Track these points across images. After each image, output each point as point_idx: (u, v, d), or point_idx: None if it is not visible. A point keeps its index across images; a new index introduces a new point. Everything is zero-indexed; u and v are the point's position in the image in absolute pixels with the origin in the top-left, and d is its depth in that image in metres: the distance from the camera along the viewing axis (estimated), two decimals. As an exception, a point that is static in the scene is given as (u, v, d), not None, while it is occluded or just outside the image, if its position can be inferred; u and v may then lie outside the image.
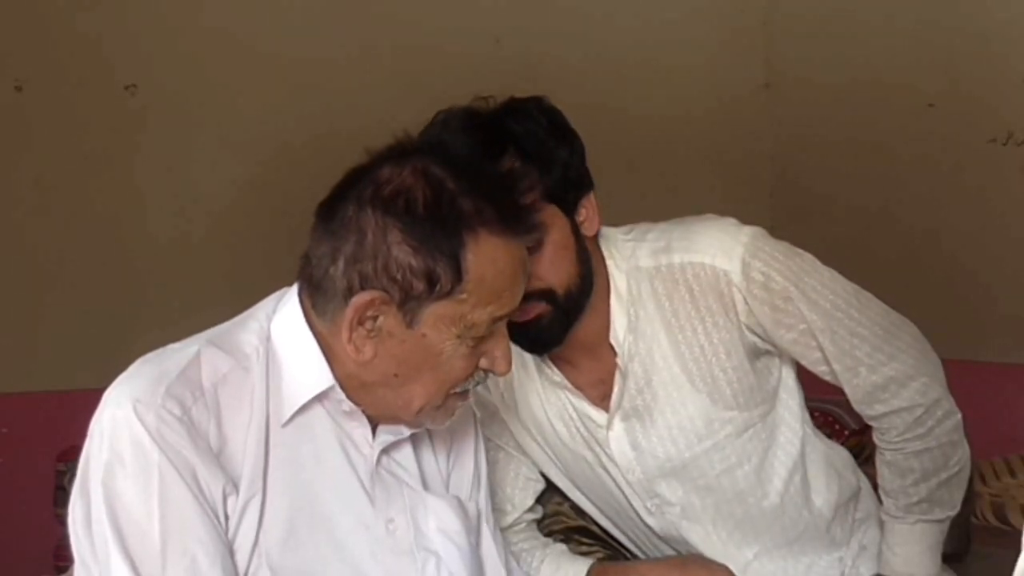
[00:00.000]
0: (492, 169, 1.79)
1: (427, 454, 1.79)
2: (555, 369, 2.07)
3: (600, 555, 2.21)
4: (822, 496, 2.16)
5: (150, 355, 1.66)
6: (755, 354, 2.06)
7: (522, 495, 2.16)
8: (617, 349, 2.02)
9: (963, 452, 2.10)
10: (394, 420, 1.70)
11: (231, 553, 1.59)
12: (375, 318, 1.59)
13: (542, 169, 1.91)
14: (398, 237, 1.57)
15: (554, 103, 2.03)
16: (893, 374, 2.03)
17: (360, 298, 1.58)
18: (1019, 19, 3.56)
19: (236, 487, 1.59)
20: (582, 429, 2.08)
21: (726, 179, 3.98)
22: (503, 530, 1.99)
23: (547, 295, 1.91)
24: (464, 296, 1.59)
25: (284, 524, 1.63)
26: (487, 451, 2.01)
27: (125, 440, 1.55)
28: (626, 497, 2.13)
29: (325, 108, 3.72)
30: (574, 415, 2.08)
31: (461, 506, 1.78)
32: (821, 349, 2.03)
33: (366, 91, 3.73)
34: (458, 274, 1.58)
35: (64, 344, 3.62)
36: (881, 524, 2.16)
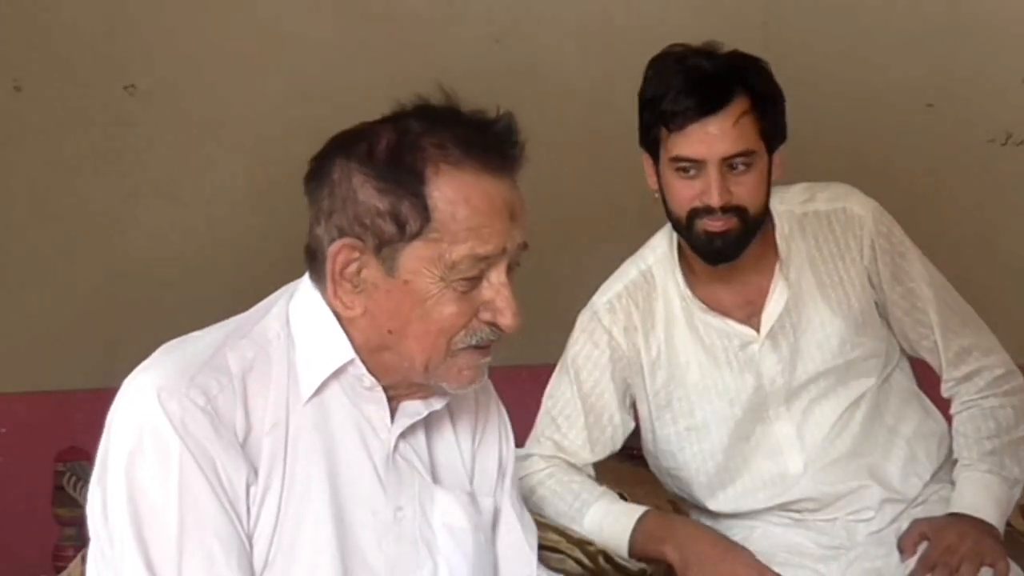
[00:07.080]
0: (471, 114, 1.67)
1: (442, 447, 1.76)
2: (703, 304, 2.36)
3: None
4: (907, 421, 2.40)
5: (173, 343, 1.65)
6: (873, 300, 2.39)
7: (600, 447, 2.40)
8: (781, 266, 2.34)
9: None
10: (411, 386, 1.67)
11: (251, 544, 1.58)
12: (358, 272, 1.58)
13: (763, 112, 2.29)
14: (361, 180, 1.57)
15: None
16: (979, 343, 2.41)
17: (334, 247, 1.57)
18: (1019, 19, 3.56)
19: (257, 475, 1.58)
20: (725, 350, 2.36)
21: (725, 179, 3.97)
22: (567, 465, 2.35)
23: (741, 212, 2.26)
24: (436, 235, 1.56)
25: (299, 510, 1.61)
26: (597, 395, 2.30)
27: (147, 428, 1.54)
28: (748, 417, 2.36)
29: (325, 108, 3.70)
30: (719, 340, 2.36)
31: (473, 502, 1.75)
32: (925, 310, 2.36)
33: (366, 91, 3.67)
34: (425, 212, 1.56)
35: (64, 344, 3.61)
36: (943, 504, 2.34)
